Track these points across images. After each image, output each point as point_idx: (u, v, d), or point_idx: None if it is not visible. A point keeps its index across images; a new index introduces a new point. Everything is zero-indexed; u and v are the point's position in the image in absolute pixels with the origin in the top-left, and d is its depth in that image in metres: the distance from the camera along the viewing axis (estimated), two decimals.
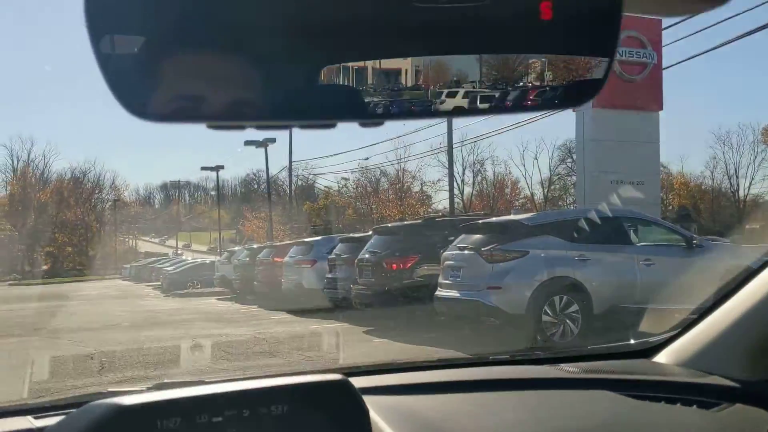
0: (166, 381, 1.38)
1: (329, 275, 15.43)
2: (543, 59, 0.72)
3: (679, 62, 24.83)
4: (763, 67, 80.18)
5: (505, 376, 1.62)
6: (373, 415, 1.27)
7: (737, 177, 53.42)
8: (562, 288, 9.66)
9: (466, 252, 10.25)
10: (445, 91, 0.73)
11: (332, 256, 15.53)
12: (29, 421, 1.31)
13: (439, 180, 49.80)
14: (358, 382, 1.31)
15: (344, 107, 0.70)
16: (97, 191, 73.83)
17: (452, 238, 11.22)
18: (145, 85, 0.64)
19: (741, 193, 53.58)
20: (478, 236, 10.46)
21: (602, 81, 0.72)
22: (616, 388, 1.53)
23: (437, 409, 1.38)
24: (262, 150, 41.31)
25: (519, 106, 0.73)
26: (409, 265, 12.40)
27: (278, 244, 23.67)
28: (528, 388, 1.55)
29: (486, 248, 9.97)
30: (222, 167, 51.88)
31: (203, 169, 54.65)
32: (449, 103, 0.73)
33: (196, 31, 0.63)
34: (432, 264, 11.76)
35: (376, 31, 0.68)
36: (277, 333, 12.10)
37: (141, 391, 1.26)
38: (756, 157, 52.43)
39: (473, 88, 0.72)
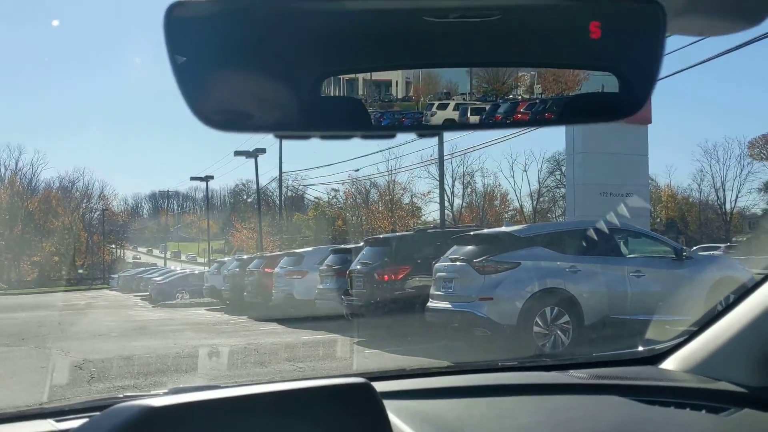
0: (181, 386, 1.39)
1: (320, 286, 15.41)
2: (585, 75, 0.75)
3: (667, 76, 25.08)
4: (749, 81, 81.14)
5: (516, 382, 1.64)
6: (392, 418, 1.29)
7: (724, 190, 53.87)
8: (553, 299, 9.70)
9: (458, 263, 10.28)
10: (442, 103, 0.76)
11: (323, 266, 15.52)
12: (51, 424, 1.32)
13: (429, 192, 49.93)
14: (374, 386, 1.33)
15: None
16: (85, 200, 73.51)
17: (444, 249, 11.26)
18: (217, 97, 0.69)
19: (728, 206, 54.02)
20: (469, 248, 10.49)
21: (643, 100, 0.76)
22: (626, 393, 1.56)
23: (453, 413, 1.40)
24: (252, 160, 41.30)
25: (564, 118, 0.77)
26: (400, 276, 12.41)
27: (269, 254, 23.62)
28: (540, 393, 1.58)
29: (478, 260, 10.00)
30: (212, 177, 51.79)
31: (192, 179, 54.48)
32: (441, 116, 0.76)
33: (264, 50, 0.68)
34: (423, 275, 11.78)
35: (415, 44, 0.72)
36: (268, 343, 12.07)
37: (161, 395, 1.27)
38: (742, 170, 52.92)
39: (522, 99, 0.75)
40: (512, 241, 10.32)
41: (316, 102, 0.70)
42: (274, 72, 0.68)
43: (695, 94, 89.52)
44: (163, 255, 76.49)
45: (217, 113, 0.69)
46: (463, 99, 0.75)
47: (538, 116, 0.74)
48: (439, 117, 0.73)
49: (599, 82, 0.75)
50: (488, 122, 0.74)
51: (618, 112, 0.77)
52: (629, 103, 0.76)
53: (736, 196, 53.77)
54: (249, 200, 70.85)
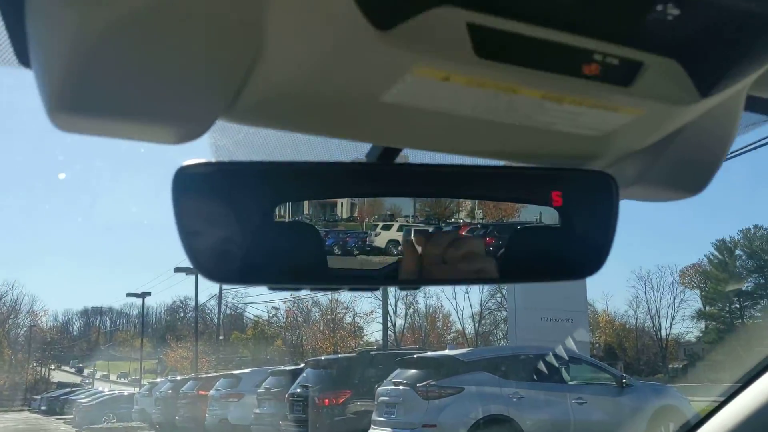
0: None
1: (257, 410, 14.85)
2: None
3: None
4: (679, 212, 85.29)
5: None
6: None
7: (659, 317, 55.12)
8: (497, 427, 9.58)
9: (401, 387, 10.12)
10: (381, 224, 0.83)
11: (262, 389, 15.04)
12: None
13: (371, 312, 49.63)
14: None
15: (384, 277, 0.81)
16: (12, 316, 70.24)
17: (387, 372, 11.10)
18: (221, 258, 0.74)
19: (663, 332, 55.14)
20: (413, 371, 10.38)
21: (599, 263, 0.83)
22: None
23: None
24: (192, 277, 40.58)
25: (523, 276, 0.84)
26: (342, 400, 12.10)
27: (204, 375, 22.79)
28: None
29: (421, 384, 9.88)
30: (149, 294, 50.43)
31: (129, 295, 52.87)
32: (385, 237, 0.82)
33: (256, 220, 0.74)
34: (366, 399, 11.52)
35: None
36: None
37: None
38: (675, 297, 54.49)
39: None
40: (456, 366, 10.27)
41: (316, 261, 0.76)
42: (273, 230, 0.74)
43: (629, 221, 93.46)
44: (73, 371, 74.01)
45: (219, 268, 0.74)
46: (407, 221, 0.81)
47: (499, 274, 0.81)
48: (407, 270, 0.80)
49: (535, 210, 0.83)
50: (452, 278, 0.81)
51: (576, 273, 0.85)
52: (587, 264, 0.84)
53: (671, 323, 55.05)
54: (186, 318, 69.00)
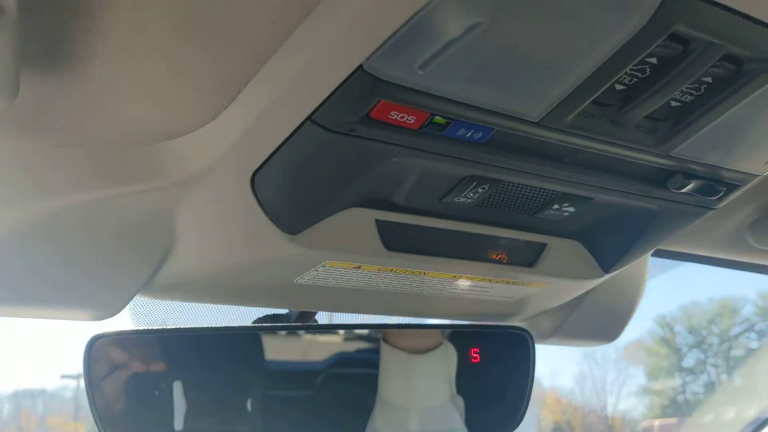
0: None
1: None
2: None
3: None
4: None
5: None
6: None
7: (605, 393, 55.33)
8: None
9: None
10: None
11: None
12: None
13: None
14: None
15: None
16: None
17: None
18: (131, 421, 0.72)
19: (609, 409, 55.27)
20: None
21: (519, 418, 0.85)
22: None
23: None
24: None
25: None
26: None
27: None
28: None
29: None
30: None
31: (63, 377, 50.57)
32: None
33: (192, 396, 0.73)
34: None
35: None
36: None
37: None
38: (620, 374, 54.90)
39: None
40: None
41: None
42: (192, 401, 0.73)
43: None
44: None
45: None
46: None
47: None
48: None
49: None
50: None
51: (496, 428, 0.86)
52: (508, 418, 0.85)
53: (617, 400, 55.21)
54: None
